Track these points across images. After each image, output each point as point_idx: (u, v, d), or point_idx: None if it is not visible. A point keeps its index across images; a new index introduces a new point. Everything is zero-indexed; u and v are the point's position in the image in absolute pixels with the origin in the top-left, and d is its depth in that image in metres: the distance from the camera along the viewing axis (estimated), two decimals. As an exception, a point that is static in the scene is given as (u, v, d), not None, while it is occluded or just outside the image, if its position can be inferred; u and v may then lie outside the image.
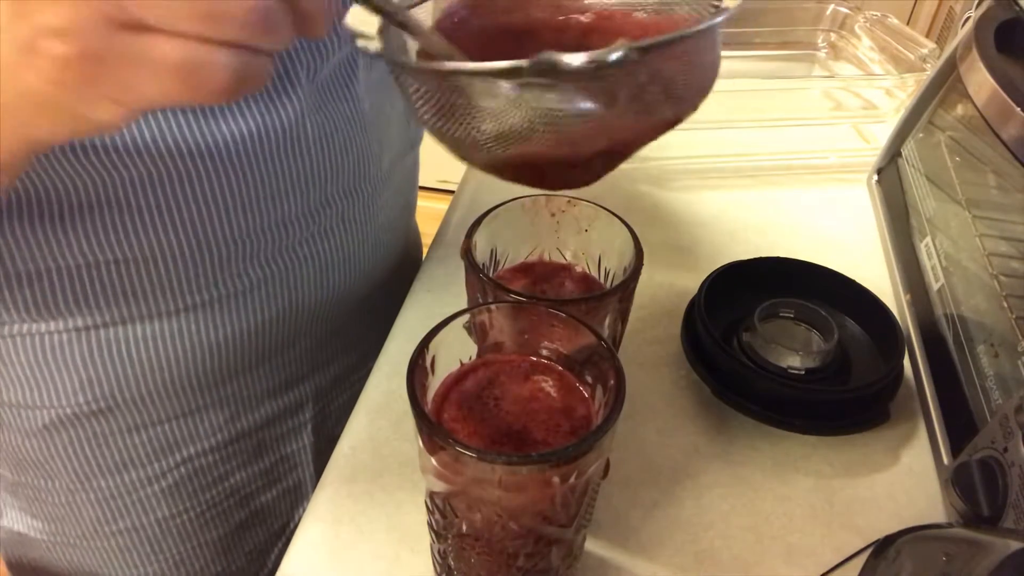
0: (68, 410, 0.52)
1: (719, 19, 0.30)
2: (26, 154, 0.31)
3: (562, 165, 0.33)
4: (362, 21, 0.31)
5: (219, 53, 0.25)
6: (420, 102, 0.32)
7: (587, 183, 0.35)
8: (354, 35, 0.31)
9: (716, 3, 0.35)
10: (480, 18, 0.38)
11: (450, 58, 0.33)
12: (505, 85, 0.28)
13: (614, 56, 0.27)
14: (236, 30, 0.25)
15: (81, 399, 0.52)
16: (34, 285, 0.47)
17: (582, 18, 0.38)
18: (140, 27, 0.24)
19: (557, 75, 0.27)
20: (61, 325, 0.49)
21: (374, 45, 0.31)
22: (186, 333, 0.51)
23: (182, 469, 0.57)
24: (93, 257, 0.47)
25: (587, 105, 0.29)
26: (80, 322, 0.49)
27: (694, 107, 0.33)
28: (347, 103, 0.53)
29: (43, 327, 0.49)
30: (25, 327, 0.49)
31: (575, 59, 0.27)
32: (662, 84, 0.30)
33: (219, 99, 0.26)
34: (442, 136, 0.32)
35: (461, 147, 0.32)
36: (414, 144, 0.67)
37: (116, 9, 0.24)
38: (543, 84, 0.28)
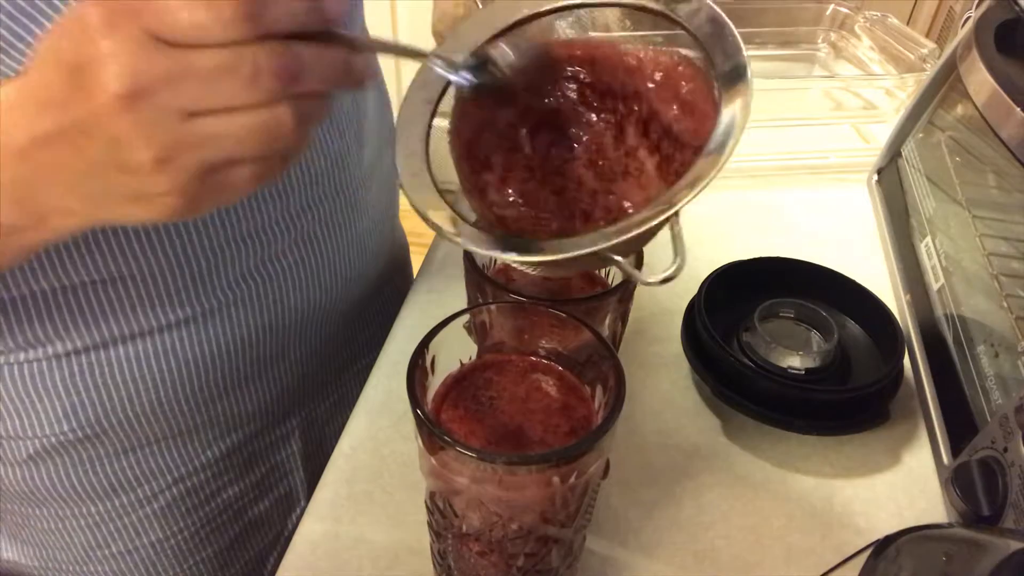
0: (53, 439, 0.50)
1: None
2: (87, 228, 0.36)
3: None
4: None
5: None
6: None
7: None
8: (440, 231, 0.33)
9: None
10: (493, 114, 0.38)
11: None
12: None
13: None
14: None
15: (66, 427, 0.50)
16: (9, 313, 0.46)
17: (585, 74, 0.38)
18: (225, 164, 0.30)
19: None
20: (40, 353, 0.48)
21: (452, 233, 0.33)
22: (170, 351, 0.50)
23: (174, 489, 0.56)
24: (68, 280, 0.45)
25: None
26: (60, 348, 0.48)
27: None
28: None
29: (22, 356, 0.48)
30: (2, 357, 0.48)
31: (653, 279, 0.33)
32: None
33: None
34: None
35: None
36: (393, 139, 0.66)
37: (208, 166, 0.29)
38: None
